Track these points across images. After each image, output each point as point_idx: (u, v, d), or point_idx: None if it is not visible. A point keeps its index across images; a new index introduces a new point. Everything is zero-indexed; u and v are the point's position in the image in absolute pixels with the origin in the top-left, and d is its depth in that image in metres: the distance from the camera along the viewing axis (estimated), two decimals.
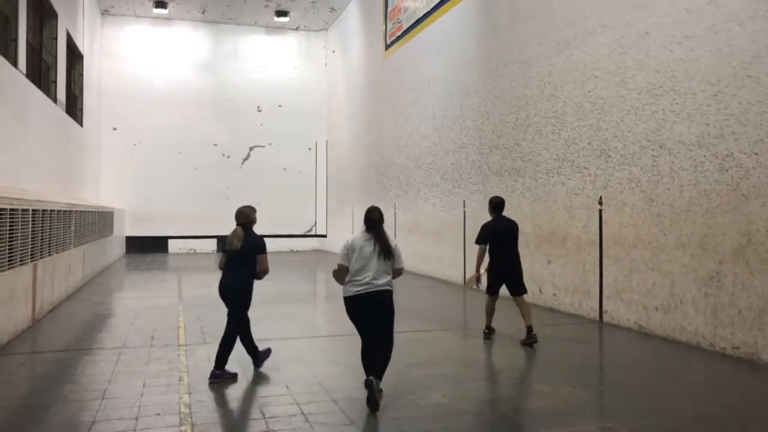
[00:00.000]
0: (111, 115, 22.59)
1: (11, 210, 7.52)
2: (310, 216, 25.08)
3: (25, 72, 11.26)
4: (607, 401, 5.46)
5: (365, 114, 20.10)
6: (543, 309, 9.67)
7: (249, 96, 24.23)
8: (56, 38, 14.46)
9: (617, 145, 8.49)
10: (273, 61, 24.68)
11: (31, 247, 8.43)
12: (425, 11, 15.15)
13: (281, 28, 24.62)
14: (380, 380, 4.97)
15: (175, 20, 23.49)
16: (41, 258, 9.04)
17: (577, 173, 9.35)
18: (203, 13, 22.96)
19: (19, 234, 7.81)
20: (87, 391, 5.45)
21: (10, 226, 7.46)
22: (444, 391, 5.39)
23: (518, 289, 7.44)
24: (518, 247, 7.56)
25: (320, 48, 25.18)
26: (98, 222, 15.20)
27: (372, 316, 5.10)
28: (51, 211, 9.65)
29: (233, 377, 5.77)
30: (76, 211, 11.95)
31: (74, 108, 17.29)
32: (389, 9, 17.83)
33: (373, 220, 5.18)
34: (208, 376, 5.72)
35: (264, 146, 24.49)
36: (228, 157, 24.08)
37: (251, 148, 24.38)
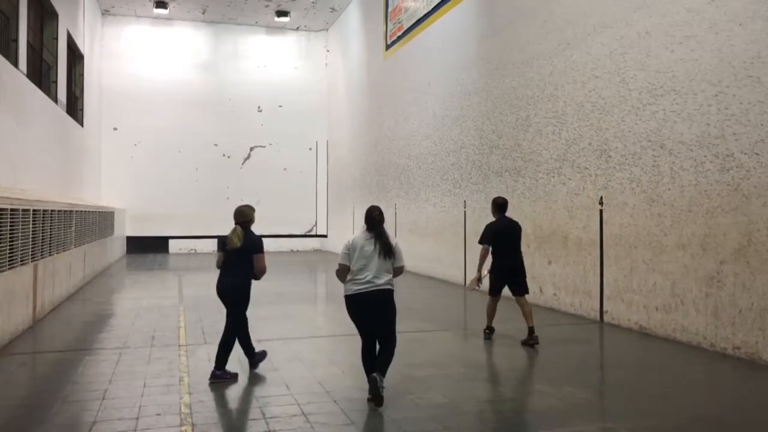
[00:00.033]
0: (111, 115, 22.60)
1: (12, 210, 7.53)
2: (311, 216, 25.09)
3: (25, 72, 11.27)
4: (607, 401, 5.46)
5: (366, 114, 20.10)
6: (543, 309, 9.66)
7: (249, 96, 24.24)
8: (57, 38, 14.48)
9: (618, 145, 8.49)
10: (273, 61, 24.68)
11: (32, 247, 8.43)
12: (426, 11, 15.16)
13: (282, 28, 24.63)
14: (383, 376, 5.00)
15: (175, 20, 23.50)
16: (42, 258, 9.04)
17: (577, 173, 9.35)
18: (204, 13, 22.96)
19: (20, 234, 7.81)
20: (88, 391, 5.45)
21: (10, 226, 7.46)
22: (444, 391, 5.39)
23: (521, 289, 7.44)
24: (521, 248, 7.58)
25: (321, 48, 25.19)
26: (99, 222, 15.21)
27: (373, 314, 5.11)
28: (51, 211, 9.65)
29: (234, 377, 5.77)
30: (76, 211, 11.96)
31: (75, 108, 17.30)
32: (390, 9, 17.83)
33: (374, 219, 5.19)
34: (209, 376, 5.72)
35: (264, 146, 24.50)
36: (228, 157, 24.08)
37: (252, 148, 24.39)
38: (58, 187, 13.88)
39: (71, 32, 15.98)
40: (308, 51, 25.11)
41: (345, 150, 22.45)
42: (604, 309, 8.68)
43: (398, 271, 5.24)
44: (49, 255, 9.55)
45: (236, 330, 5.94)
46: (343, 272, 5.20)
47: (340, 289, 5.28)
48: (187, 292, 12.28)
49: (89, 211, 13.70)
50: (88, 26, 18.80)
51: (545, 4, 10.25)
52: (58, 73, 14.50)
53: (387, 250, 5.10)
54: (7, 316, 7.37)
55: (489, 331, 7.67)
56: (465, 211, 12.92)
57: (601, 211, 8.80)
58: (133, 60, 23.03)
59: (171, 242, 23.34)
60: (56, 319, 9.23)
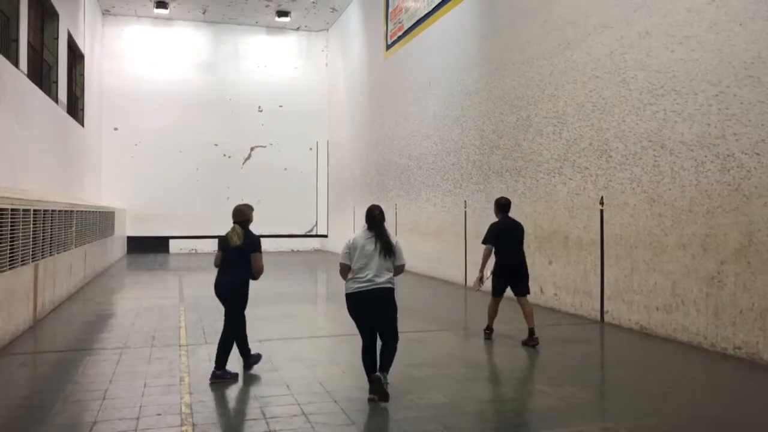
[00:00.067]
0: (112, 115, 22.61)
1: (12, 210, 7.53)
2: (311, 216, 25.09)
3: (26, 72, 11.28)
4: (608, 401, 5.46)
5: (366, 114, 20.10)
6: (544, 309, 9.66)
7: (250, 96, 24.25)
8: (57, 38, 14.48)
9: (618, 145, 8.49)
10: (274, 61, 24.69)
11: (33, 247, 8.44)
12: (426, 11, 15.16)
13: (282, 28, 24.63)
14: (387, 374, 5.04)
15: (175, 20, 23.50)
16: (42, 258, 9.04)
17: (578, 173, 9.35)
18: (204, 13, 22.96)
19: (21, 234, 7.81)
20: (88, 391, 5.45)
21: (11, 226, 7.46)
22: (445, 391, 5.39)
23: (522, 289, 7.43)
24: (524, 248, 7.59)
25: (321, 48, 25.20)
26: (99, 222, 15.21)
27: (373, 313, 5.13)
28: (52, 211, 9.66)
29: (234, 377, 5.77)
30: (77, 211, 11.96)
31: (75, 108, 17.31)
32: (390, 9, 17.83)
33: (375, 218, 5.22)
34: (209, 376, 5.73)
35: (265, 146, 24.50)
36: (229, 157, 24.09)
37: (252, 148, 24.40)
38: (58, 187, 13.89)
39: (72, 32, 15.98)
40: (309, 51, 25.12)
41: (345, 150, 22.45)
42: (605, 309, 8.68)
43: (399, 269, 5.27)
44: (50, 255, 9.55)
45: (234, 330, 5.94)
46: (344, 271, 5.23)
47: (340, 289, 5.29)
48: (188, 292, 12.28)
49: (90, 211, 13.71)
50: (88, 26, 18.81)
51: (546, 4, 10.25)
52: (58, 73, 14.51)
53: (387, 248, 5.13)
54: (8, 316, 7.37)
55: (489, 331, 7.67)
56: (465, 211, 12.92)
57: (601, 211, 8.80)
58: (133, 60, 23.04)
59: (171, 242, 23.35)
60: (57, 319, 9.23)
